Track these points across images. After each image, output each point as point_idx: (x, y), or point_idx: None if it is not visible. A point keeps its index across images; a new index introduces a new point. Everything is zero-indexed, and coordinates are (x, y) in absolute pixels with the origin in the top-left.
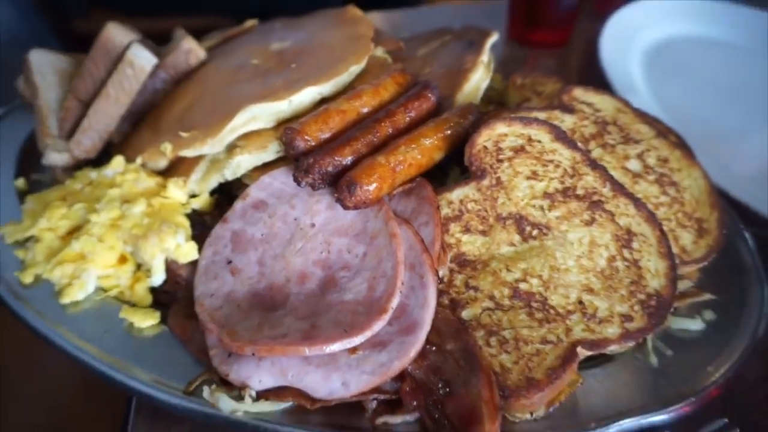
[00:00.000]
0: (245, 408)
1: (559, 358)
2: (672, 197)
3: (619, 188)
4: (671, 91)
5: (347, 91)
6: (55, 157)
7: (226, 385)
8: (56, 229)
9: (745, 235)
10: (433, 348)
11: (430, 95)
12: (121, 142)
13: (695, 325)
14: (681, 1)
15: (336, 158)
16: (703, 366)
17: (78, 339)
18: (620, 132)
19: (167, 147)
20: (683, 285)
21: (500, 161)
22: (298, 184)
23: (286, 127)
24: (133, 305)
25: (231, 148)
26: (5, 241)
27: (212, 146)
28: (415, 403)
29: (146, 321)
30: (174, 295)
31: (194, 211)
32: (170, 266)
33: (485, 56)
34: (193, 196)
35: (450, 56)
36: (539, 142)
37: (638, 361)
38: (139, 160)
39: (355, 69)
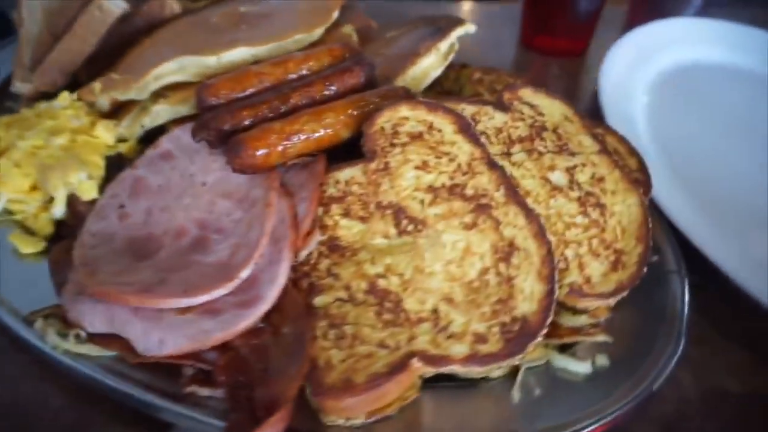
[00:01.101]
0: (67, 346)
1: (388, 366)
2: (592, 220)
3: (513, 195)
4: (679, 122)
5: None
6: (20, 86)
7: (67, 324)
8: None
9: (684, 282)
10: (270, 328)
11: (359, 71)
12: (86, 81)
13: (580, 367)
14: (716, 23)
15: (235, 118)
16: (568, 413)
17: None
18: (557, 141)
19: (97, 86)
20: (581, 321)
21: (393, 146)
22: (194, 138)
23: (200, 82)
24: (32, 233)
25: (156, 97)
26: None
27: (137, 92)
28: (222, 378)
29: (29, 248)
30: (74, 231)
31: (119, 155)
32: (72, 201)
33: (444, 44)
34: (123, 141)
35: (411, 41)
36: (440, 131)
37: (498, 392)
38: (74, 96)
39: (301, 38)
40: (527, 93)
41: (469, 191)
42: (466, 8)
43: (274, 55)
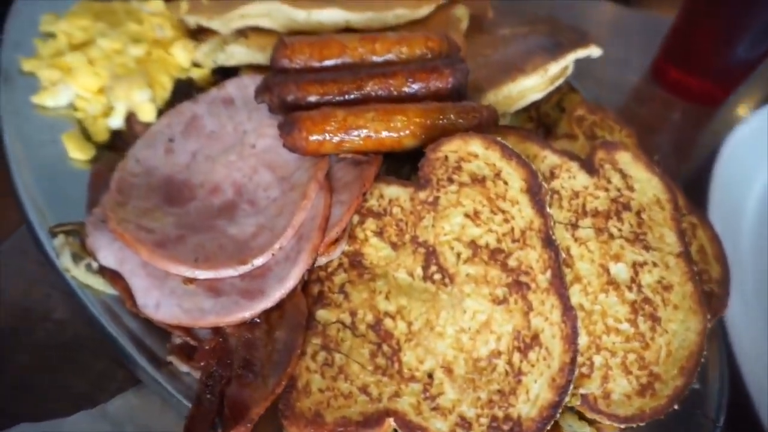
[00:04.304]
0: (76, 273)
1: (362, 416)
2: (637, 332)
3: (558, 284)
4: None
5: None
6: None
7: (84, 247)
8: (72, 35)
9: None
10: (265, 326)
11: (448, 76)
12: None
13: None
14: None
15: (300, 91)
16: None
17: (16, 135)
18: (636, 227)
19: (184, 6)
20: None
21: (451, 181)
22: (255, 98)
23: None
24: (87, 136)
25: (238, 36)
26: (39, 28)
27: (220, 24)
28: (203, 363)
29: (77, 153)
30: (126, 146)
31: (189, 80)
32: (130, 118)
33: (555, 67)
34: (198, 66)
35: (521, 49)
36: (506, 183)
37: None
38: (159, 3)
39: (403, 13)
40: (625, 158)
41: (512, 262)
42: (607, 13)
43: (370, 26)
